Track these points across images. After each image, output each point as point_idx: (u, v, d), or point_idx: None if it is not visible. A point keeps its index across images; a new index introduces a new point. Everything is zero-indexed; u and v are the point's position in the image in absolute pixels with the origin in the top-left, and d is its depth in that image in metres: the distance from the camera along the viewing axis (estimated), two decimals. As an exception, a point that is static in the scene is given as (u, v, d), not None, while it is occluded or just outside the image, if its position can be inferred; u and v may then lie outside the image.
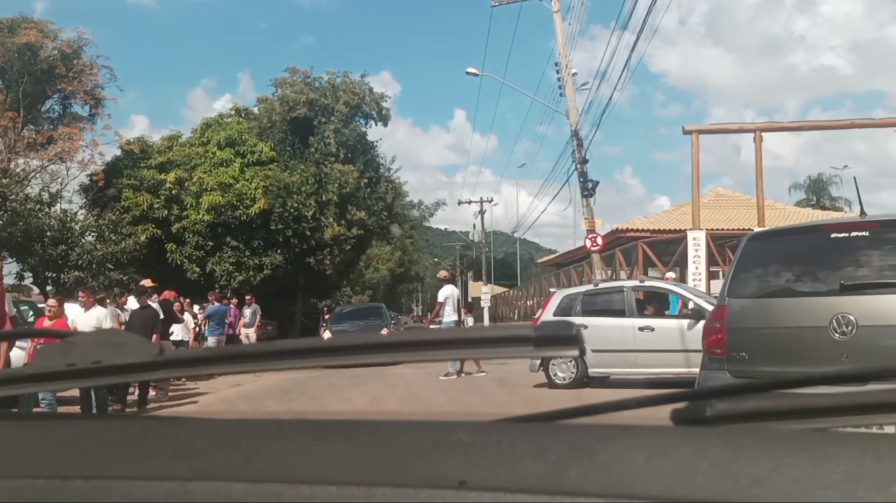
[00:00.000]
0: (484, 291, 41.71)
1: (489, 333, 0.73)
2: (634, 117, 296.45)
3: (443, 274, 15.13)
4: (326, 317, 25.55)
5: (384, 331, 15.67)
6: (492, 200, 48.72)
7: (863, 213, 5.02)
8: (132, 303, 11.34)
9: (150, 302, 10.33)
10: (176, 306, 14.25)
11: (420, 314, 75.41)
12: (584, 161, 18.18)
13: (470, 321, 15.82)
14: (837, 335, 4.42)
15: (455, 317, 13.53)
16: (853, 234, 4.70)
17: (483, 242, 47.81)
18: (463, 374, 13.17)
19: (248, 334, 18.68)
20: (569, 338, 0.68)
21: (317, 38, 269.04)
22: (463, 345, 0.79)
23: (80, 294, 8.90)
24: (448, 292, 13.68)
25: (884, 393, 0.71)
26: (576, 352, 0.70)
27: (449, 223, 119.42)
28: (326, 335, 14.82)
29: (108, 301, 10.91)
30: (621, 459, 0.60)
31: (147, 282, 11.90)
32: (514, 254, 65.62)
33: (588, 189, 18.36)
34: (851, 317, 4.41)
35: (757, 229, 16.44)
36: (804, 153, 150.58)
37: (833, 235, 4.84)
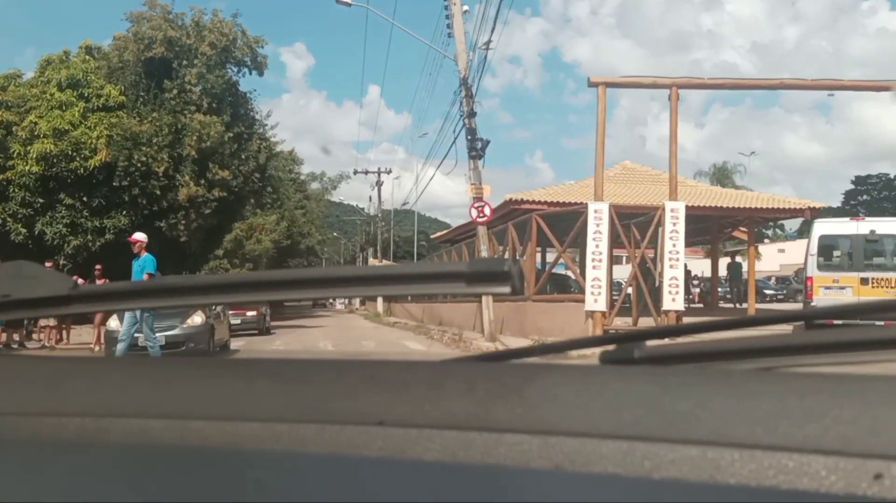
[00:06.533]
0: (377, 268, 38.67)
1: (423, 269, 0.74)
2: (545, 104, 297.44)
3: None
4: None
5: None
6: (390, 171, 45.41)
7: None
8: None
9: None
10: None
11: None
12: (472, 114, 15.25)
13: None
14: None
15: None
16: None
17: (379, 217, 44.55)
18: None
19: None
20: (501, 274, 0.67)
21: (227, 5, 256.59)
22: (398, 282, 0.76)
23: None
24: None
25: (812, 334, 0.73)
26: (507, 289, 0.67)
27: (357, 199, 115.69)
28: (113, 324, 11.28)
29: None
30: (549, 396, 0.60)
31: None
32: (421, 232, 62.77)
33: (476, 149, 15.45)
34: None
35: (668, 203, 14.16)
36: (706, 146, 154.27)
37: None
